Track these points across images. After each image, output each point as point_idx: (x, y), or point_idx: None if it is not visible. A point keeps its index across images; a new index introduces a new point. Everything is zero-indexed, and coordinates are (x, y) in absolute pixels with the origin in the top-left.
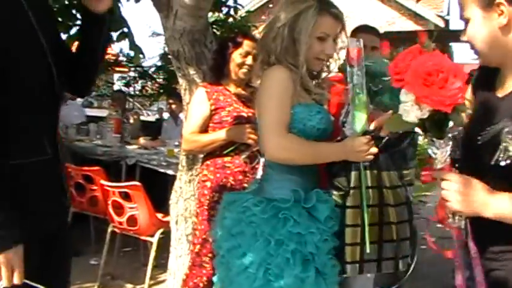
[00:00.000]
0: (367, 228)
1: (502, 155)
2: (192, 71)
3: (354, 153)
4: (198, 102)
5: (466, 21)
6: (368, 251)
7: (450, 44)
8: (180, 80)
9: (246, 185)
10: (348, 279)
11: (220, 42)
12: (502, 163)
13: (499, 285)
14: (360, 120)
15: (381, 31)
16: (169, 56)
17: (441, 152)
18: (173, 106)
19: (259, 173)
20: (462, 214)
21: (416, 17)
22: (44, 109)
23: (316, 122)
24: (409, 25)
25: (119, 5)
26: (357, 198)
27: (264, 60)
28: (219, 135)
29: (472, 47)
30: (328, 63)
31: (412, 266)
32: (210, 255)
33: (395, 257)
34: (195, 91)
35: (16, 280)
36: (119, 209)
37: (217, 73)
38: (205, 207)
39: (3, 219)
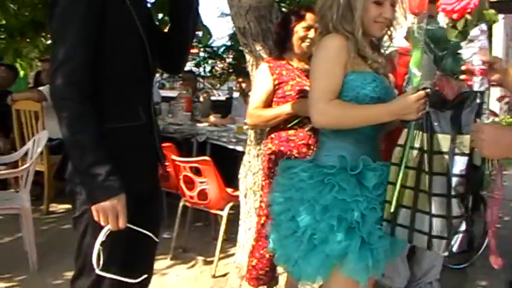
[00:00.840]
0: (397, 188)
1: None
2: (258, 47)
3: (403, 110)
4: (261, 78)
5: None
6: (392, 210)
7: None
8: (247, 56)
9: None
10: (417, 255)
11: (283, 16)
12: None
13: None
14: (414, 76)
15: None
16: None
17: None
18: (243, 84)
19: None
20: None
21: None
22: (139, 82)
23: (370, 90)
24: None
25: None
26: (398, 156)
27: (322, 30)
28: (283, 109)
29: None
30: (390, 32)
31: (485, 244)
32: None
33: (429, 233)
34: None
35: (120, 224)
36: (190, 184)
37: (280, 47)
38: (270, 180)
39: (110, 169)
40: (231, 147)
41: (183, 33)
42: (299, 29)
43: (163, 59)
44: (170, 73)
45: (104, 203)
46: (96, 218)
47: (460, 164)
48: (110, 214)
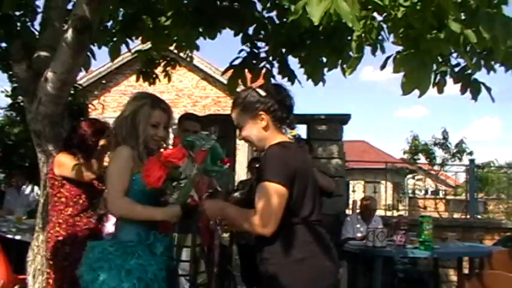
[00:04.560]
0: None
1: None
2: (51, 147)
3: (169, 216)
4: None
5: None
6: None
7: None
8: (39, 155)
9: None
10: None
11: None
12: None
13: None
14: (183, 196)
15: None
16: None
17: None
18: (14, 180)
19: (108, 229)
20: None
21: None
22: None
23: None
24: None
25: None
26: None
27: (116, 141)
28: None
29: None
30: (163, 144)
31: None
32: None
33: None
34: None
35: None
36: None
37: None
38: (59, 259)
39: None
40: (10, 236)
41: None
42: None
43: None
44: None
45: None
46: None
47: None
48: None
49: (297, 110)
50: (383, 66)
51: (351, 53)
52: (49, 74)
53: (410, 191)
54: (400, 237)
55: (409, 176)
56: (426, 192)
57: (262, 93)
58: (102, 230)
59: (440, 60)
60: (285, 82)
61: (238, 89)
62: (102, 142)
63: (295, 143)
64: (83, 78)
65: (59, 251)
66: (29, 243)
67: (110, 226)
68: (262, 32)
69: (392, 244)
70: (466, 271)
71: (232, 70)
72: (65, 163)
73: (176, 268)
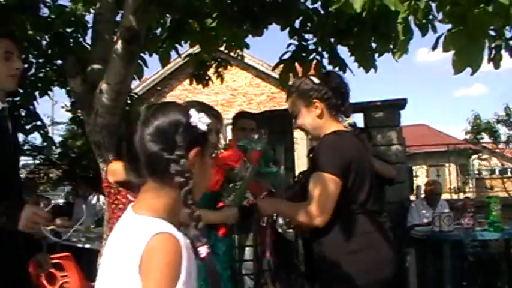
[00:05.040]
0: None
1: None
2: (111, 157)
3: (225, 218)
4: None
5: (295, 116)
6: None
7: None
8: (101, 165)
9: None
10: None
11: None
12: None
13: None
14: (239, 197)
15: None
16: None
17: None
18: (80, 191)
19: None
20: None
21: None
22: None
23: None
24: None
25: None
26: None
27: None
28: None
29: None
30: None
31: None
32: None
33: None
34: None
35: None
36: (52, 279)
37: None
38: None
39: None
40: (80, 245)
41: None
42: None
43: None
44: None
45: None
46: None
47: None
48: None
49: (353, 99)
50: (434, 47)
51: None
52: (103, 86)
53: (476, 172)
54: (468, 220)
55: (474, 156)
56: (493, 171)
57: (316, 80)
58: None
59: (493, 34)
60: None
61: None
62: None
63: (351, 131)
64: (138, 86)
65: None
66: (98, 251)
67: None
68: (309, 24)
69: (460, 228)
70: None
71: (282, 65)
72: (116, 169)
73: (240, 268)
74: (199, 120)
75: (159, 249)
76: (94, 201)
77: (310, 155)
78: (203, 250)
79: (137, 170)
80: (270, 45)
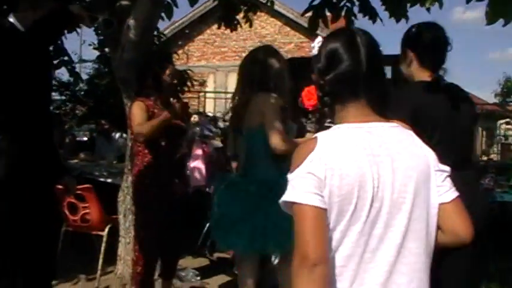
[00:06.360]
0: None
1: None
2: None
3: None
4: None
5: None
6: None
7: None
8: (125, 100)
9: None
10: None
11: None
12: None
13: None
14: None
15: None
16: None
17: None
18: (105, 126)
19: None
20: None
21: None
22: None
23: None
24: None
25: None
26: None
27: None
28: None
29: None
30: None
31: None
32: None
33: None
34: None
35: None
36: (73, 209)
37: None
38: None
39: None
40: (102, 179)
41: None
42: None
43: None
44: None
45: None
46: None
47: None
48: None
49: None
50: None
51: None
52: (131, 22)
53: (502, 135)
54: (488, 181)
55: (502, 121)
56: None
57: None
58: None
59: None
60: (366, 21)
61: (318, 31)
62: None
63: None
64: (167, 28)
65: (143, 193)
66: (119, 186)
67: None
68: None
69: (480, 188)
70: None
71: (312, 11)
72: (135, 115)
73: None
74: None
75: None
76: (117, 137)
77: None
78: None
79: None
80: None
